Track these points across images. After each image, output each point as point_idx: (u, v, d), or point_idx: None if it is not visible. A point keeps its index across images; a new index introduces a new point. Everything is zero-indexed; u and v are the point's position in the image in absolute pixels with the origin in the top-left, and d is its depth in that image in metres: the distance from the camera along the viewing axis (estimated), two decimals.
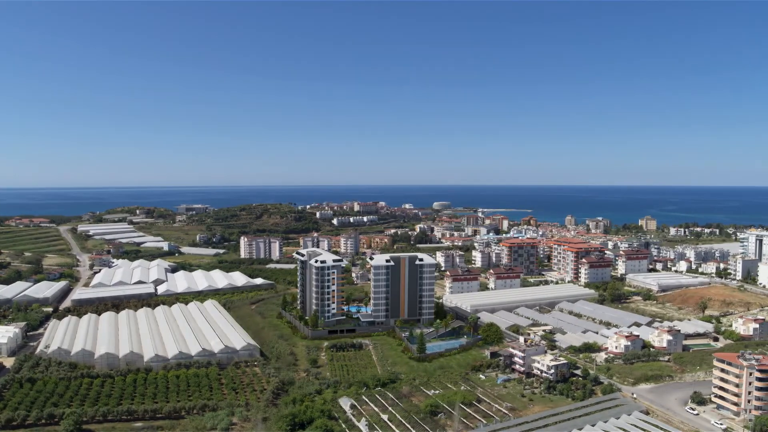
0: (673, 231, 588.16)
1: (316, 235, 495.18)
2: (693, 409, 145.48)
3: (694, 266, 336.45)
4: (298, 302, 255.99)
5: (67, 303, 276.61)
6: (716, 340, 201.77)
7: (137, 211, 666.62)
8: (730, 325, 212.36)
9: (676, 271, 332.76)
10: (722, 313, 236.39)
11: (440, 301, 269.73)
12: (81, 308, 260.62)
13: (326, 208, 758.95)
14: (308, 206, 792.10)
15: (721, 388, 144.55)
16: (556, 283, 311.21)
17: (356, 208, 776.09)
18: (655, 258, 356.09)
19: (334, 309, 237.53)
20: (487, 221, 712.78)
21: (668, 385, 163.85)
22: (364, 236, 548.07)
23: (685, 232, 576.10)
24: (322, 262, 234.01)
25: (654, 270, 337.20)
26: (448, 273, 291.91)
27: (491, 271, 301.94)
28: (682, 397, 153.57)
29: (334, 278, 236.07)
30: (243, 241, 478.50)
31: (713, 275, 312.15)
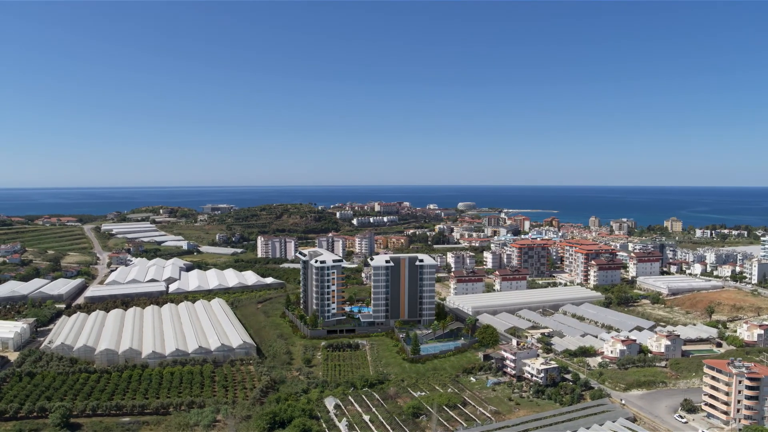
0: (698, 233, 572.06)
1: (331, 235, 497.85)
2: (682, 417, 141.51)
3: (709, 269, 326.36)
4: (301, 302, 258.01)
5: (80, 300, 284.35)
6: (719, 346, 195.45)
7: (161, 211, 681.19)
8: (735, 331, 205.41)
9: (690, 274, 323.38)
10: (731, 318, 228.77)
11: (444, 301, 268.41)
12: (93, 305, 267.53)
13: (347, 208, 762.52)
14: (332, 206, 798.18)
15: (712, 396, 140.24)
16: (565, 285, 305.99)
17: (377, 208, 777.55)
18: (670, 261, 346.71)
19: (334, 309, 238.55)
20: (509, 222, 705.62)
21: (661, 391, 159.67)
22: (381, 236, 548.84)
23: (711, 233, 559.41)
24: (322, 262, 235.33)
25: (667, 273, 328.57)
26: (452, 274, 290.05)
27: (497, 272, 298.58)
28: (672, 405, 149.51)
29: (334, 278, 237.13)
30: (260, 240, 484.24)
31: (728, 279, 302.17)
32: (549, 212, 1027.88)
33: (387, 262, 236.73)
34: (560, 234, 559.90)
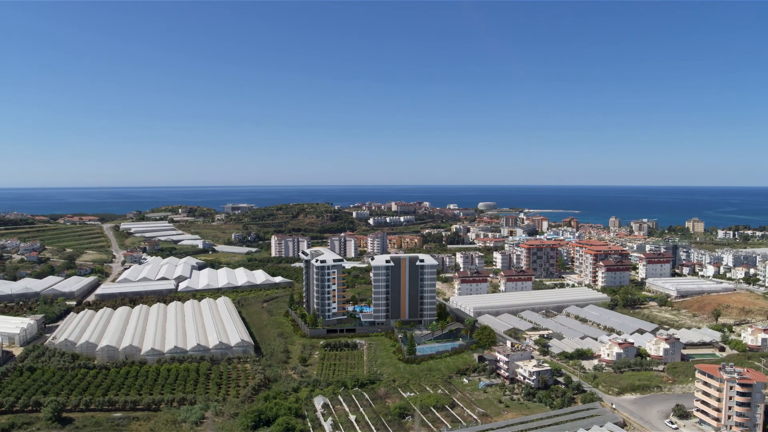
0: (721, 234, 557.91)
1: (343, 234, 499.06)
2: (673, 423, 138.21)
3: (722, 271, 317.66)
4: (304, 301, 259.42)
5: (92, 297, 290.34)
6: (722, 350, 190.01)
7: (179, 210, 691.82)
8: (740, 335, 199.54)
9: (702, 276, 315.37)
10: (738, 322, 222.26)
11: (448, 302, 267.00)
12: (103, 303, 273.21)
13: (364, 208, 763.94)
14: (351, 206, 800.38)
15: (703, 402, 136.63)
16: (573, 286, 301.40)
17: (394, 208, 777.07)
18: (683, 262, 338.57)
19: (334, 308, 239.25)
20: (527, 222, 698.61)
21: (655, 396, 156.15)
22: (395, 236, 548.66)
23: (734, 234, 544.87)
24: (322, 261, 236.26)
25: (678, 275, 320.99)
26: (456, 274, 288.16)
27: (502, 273, 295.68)
28: (664, 410, 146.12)
29: (334, 278, 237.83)
30: (273, 240, 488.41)
31: (740, 281, 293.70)
32: (570, 212, 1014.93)
33: (387, 261, 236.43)
34: (577, 234, 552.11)
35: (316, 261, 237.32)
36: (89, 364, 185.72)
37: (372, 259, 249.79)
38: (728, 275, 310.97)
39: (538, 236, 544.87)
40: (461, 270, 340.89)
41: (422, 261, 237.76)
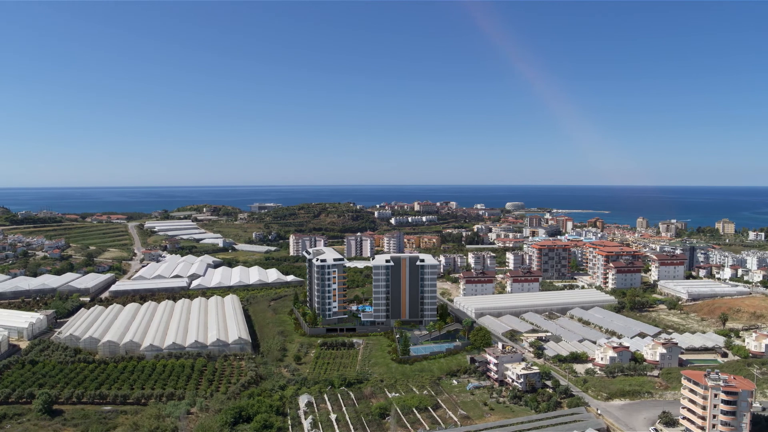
0: (752, 235, 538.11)
1: (359, 234, 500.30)
2: (658, 431, 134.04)
3: (740, 274, 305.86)
4: (307, 300, 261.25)
5: (106, 294, 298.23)
6: (725, 356, 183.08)
7: (204, 209, 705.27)
8: (744, 340, 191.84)
9: (718, 279, 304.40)
10: (747, 327, 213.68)
11: (452, 302, 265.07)
12: (116, 299, 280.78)
13: (386, 207, 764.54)
14: (377, 206, 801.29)
15: (689, 410, 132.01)
16: (582, 287, 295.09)
17: (416, 207, 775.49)
18: (700, 264, 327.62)
19: (335, 307, 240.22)
20: (551, 222, 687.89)
21: (644, 402, 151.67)
22: (414, 236, 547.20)
23: (766, 236, 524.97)
24: (323, 260, 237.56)
25: (694, 277, 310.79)
26: (461, 275, 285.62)
27: (507, 273, 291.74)
28: (651, 417, 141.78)
29: (334, 277, 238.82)
30: (291, 239, 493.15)
31: (758, 284, 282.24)
32: (599, 213, 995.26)
33: (387, 261, 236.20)
34: (599, 235, 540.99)
35: (317, 260, 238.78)
36: (89, 358, 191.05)
37: (372, 258, 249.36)
38: (746, 278, 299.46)
39: (558, 237, 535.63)
40: (467, 270, 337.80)
41: (422, 261, 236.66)
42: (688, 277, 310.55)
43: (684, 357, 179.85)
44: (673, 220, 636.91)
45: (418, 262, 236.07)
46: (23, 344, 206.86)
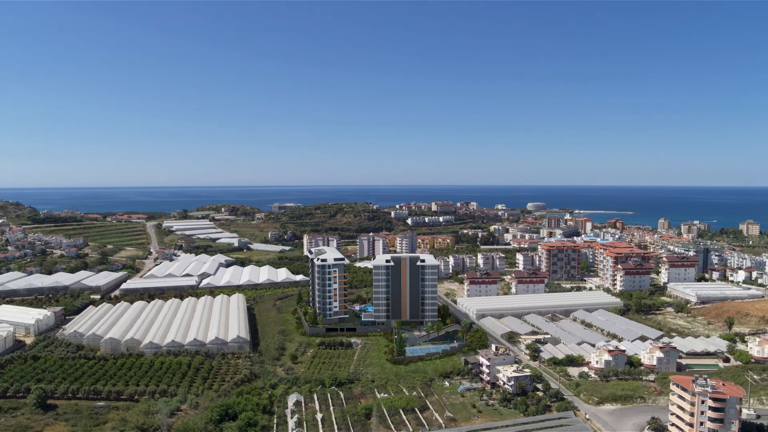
0: None
1: (371, 234, 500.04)
2: None
3: (755, 276, 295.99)
4: (310, 300, 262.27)
5: (117, 292, 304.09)
6: (727, 361, 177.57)
7: (222, 209, 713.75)
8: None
9: (731, 282, 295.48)
10: (755, 331, 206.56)
11: (455, 303, 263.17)
12: (125, 297, 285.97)
13: (403, 207, 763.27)
14: (397, 206, 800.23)
15: (677, 416, 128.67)
16: (590, 289, 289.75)
17: (434, 208, 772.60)
18: (714, 266, 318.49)
19: (336, 307, 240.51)
20: (569, 223, 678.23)
21: (636, 407, 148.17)
22: (428, 236, 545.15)
23: None
24: (323, 260, 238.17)
25: (705, 279, 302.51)
26: (465, 276, 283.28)
27: (513, 274, 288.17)
28: (640, 423, 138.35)
29: (335, 276, 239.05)
30: (305, 238, 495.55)
31: None
32: (622, 214, 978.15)
33: (387, 261, 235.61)
34: (617, 236, 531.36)
35: (318, 259, 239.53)
36: (89, 354, 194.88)
37: (373, 258, 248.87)
38: (759, 281, 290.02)
39: (575, 238, 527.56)
40: (471, 271, 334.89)
41: (423, 261, 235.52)
42: (701, 279, 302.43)
43: (684, 361, 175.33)
44: (696, 221, 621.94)
45: (419, 263, 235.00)
46: (29, 340, 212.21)
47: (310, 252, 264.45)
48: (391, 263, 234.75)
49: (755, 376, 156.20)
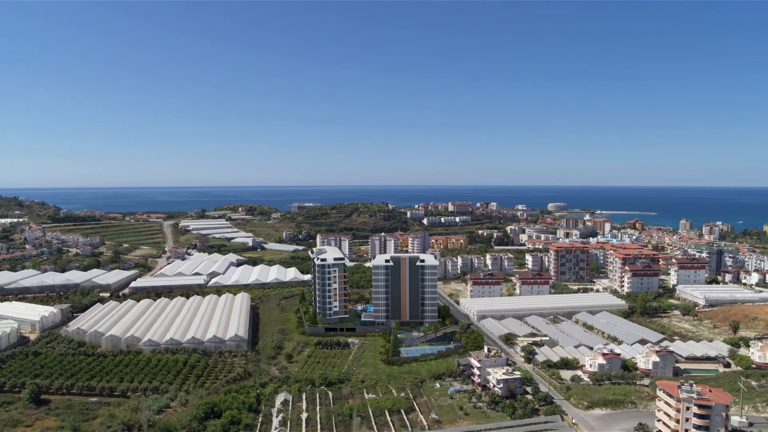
0: None
1: (383, 234, 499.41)
2: None
3: None
4: (312, 299, 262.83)
5: (126, 290, 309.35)
6: (728, 366, 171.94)
7: (239, 209, 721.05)
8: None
9: (744, 284, 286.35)
10: (760, 336, 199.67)
11: (458, 304, 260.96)
12: (134, 295, 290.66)
13: (419, 207, 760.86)
14: (415, 206, 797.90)
15: (663, 423, 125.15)
16: (597, 291, 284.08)
17: (450, 208, 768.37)
18: (727, 268, 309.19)
19: (336, 307, 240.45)
20: (588, 223, 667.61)
21: (626, 412, 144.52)
22: (442, 237, 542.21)
23: None
24: (323, 259, 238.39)
25: (716, 282, 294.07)
26: (469, 276, 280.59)
27: (517, 275, 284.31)
28: (628, 429, 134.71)
29: (335, 276, 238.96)
30: (318, 238, 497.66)
31: None
32: (645, 214, 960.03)
33: (386, 261, 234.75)
34: (635, 237, 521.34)
35: (318, 259, 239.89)
36: (89, 351, 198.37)
37: (373, 258, 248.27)
38: None
39: (591, 239, 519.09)
40: (489, 270, 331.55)
41: (423, 261, 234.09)
42: (712, 281, 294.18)
43: (682, 366, 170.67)
44: (718, 222, 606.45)
45: (418, 263, 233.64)
46: (34, 336, 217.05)
47: (311, 251, 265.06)
48: (391, 263, 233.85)
49: (753, 383, 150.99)
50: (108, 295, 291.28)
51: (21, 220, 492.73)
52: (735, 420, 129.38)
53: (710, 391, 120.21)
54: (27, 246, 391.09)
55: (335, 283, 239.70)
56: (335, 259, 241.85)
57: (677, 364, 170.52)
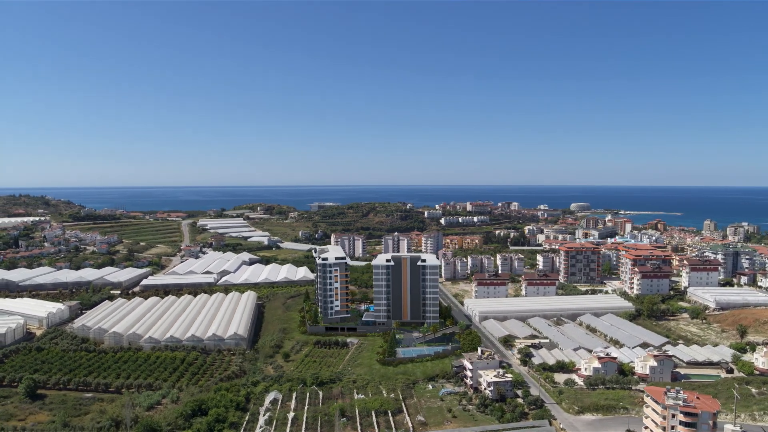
0: None
1: (396, 234, 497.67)
2: None
3: None
4: (315, 298, 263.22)
5: (137, 288, 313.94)
6: (730, 371, 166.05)
7: (258, 208, 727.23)
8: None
9: (759, 287, 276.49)
10: None
11: (462, 305, 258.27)
12: (144, 293, 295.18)
13: (437, 207, 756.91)
14: (436, 206, 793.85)
15: (651, 430, 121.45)
16: (606, 293, 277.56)
17: (468, 208, 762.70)
18: (744, 270, 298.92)
19: (337, 306, 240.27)
20: (609, 224, 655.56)
21: (617, 418, 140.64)
22: (457, 236, 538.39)
23: None
24: (324, 259, 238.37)
25: (731, 284, 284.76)
26: (474, 277, 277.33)
27: (523, 276, 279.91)
28: None
29: (337, 275, 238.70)
30: (333, 238, 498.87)
31: None
32: (670, 215, 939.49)
33: (387, 261, 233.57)
34: (654, 238, 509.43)
35: (319, 258, 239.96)
36: (91, 347, 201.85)
37: (374, 258, 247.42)
38: None
39: (609, 239, 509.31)
40: (499, 271, 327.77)
41: (424, 261, 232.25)
42: (727, 284, 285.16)
43: (682, 371, 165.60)
44: (744, 223, 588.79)
45: (419, 262, 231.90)
46: (39, 332, 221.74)
47: (314, 251, 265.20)
48: (391, 263, 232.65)
49: (753, 390, 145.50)
50: (119, 292, 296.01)
51: (42, 218, 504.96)
52: (728, 428, 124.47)
53: (697, 398, 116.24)
54: (46, 244, 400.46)
55: (336, 282, 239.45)
56: (336, 258, 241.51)
57: (677, 369, 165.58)
